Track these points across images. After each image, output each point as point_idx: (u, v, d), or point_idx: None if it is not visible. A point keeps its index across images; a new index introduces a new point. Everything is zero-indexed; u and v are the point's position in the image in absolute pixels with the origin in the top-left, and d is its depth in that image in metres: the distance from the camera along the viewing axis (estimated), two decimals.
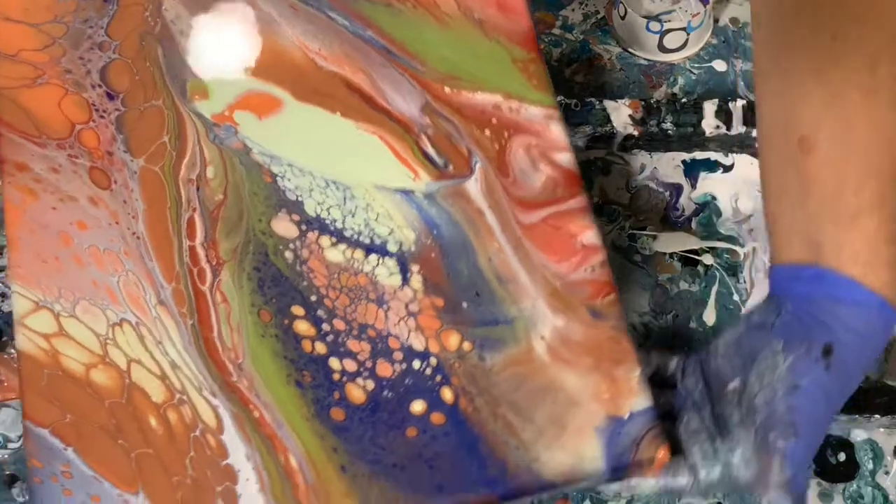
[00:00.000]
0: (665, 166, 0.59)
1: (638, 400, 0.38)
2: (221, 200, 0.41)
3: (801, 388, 0.36)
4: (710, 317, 0.54)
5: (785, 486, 0.36)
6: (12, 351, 0.49)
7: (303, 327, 0.39)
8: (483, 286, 0.40)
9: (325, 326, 0.39)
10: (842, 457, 0.51)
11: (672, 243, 0.56)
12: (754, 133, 0.56)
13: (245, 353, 0.39)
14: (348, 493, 0.37)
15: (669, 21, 0.61)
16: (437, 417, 0.38)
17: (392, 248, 0.40)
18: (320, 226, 0.41)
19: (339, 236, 0.41)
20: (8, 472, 0.50)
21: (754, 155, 0.59)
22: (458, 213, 0.41)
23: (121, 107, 0.42)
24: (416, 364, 0.39)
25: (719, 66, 0.63)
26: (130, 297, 0.40)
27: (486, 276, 0.40)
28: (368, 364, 0.39)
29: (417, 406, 0.38)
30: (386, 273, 0.40)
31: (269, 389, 0.39)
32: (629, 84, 0.62)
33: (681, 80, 0.62)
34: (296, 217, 0.41)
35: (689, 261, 0.56)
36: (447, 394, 0.38)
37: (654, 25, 0.61)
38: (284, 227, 0.41)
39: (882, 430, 0.51)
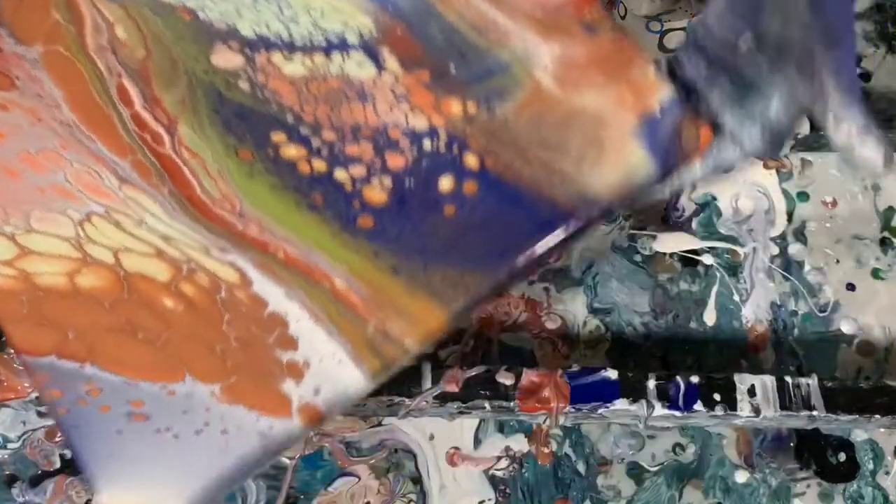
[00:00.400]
0: None
1: (663, 91, 0.36)
2: (145, 56, 0.37)
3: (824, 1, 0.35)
4: (710, 317, 0.54)
5: (846, 88, 0.35)
6: (12, 351, 0.49)
7: (291, 151, 0.37)
8: (464, 43, 0.37)
9: (315, 142, 0.37)
10: (842, 457, 0.51)
11: (672, 243, 0.56)
12: None
13: (240, 199, 0.37)
14: (408, 291, 0.35)
15: (669, 21, 0.61)
16: (469, 187, 0.36)
17: (352, 39, 0.37)
18: (265, 44, 0.37)
19: (291, 48, 0.37)
20: (8, 472, 0.50)
21: None
22: None
23: None
24: (427, 144, 0.37)
25: None
26: (87, 187, 0.37)
27: (463, 32, 0.37)
28: (377, 162, 0.37)
29: (445, 183, 0.36)
30: (356, 66, 0.37)
31: (283, 224, 0.36)
32: None
33: None
34: (234, 44, 0.37)
35: (689, 261, 0.56)
36: (471, 160, 0.36)
37: (654, 25, 0.61)
38: (226, 58, 0.37)
39: (882, 430, 0.51)
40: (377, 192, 0.36)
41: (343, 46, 0.37)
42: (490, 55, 0.37)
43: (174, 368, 0.36)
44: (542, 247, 0.35)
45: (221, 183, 0.37)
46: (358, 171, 0.37)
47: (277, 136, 0.37)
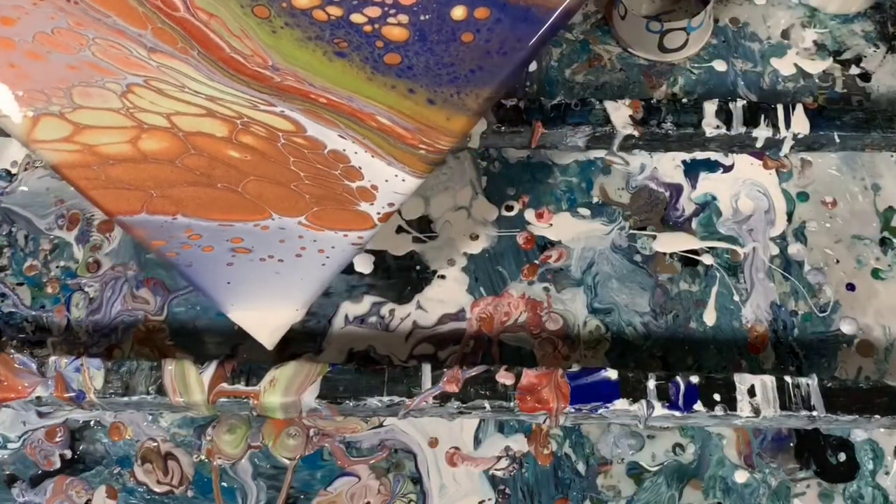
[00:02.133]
0: (665, 166, 0.59)
1: None
2: None
3: None
4: (710, 317, 0.54)
5: None
6: (12, 351, 0.49)
7: (303, 1, 0.37)
8: None
9: None
10: (842, 457, 0.51)
11: (672, 243, 0.56)
12: (754, 133, 0.56)
13: (269, 55, 0.37)
14: (447, 115, 0.37)
15: (669, 21, 0.61)
16: (480, 13, 0.37)
17: None
18: None
19: None
20: (8, 472, 0.50)
21: (754, 155, 0.59)
22: None
23: None
24: None
25: (719, 66, 0.63)
26: (117, 60, 0.37)
27: None
28: (388, 1, 0.37)
29: (458, 12, 0.37)
30: None
31: (318, 74, 0.37)
32: (629, 84, 0.62)
33: (681, 80, 0.62)
34: None
35: (689, 261, 0.56)
36: None
37: (655, 25, 0.61)
38: None
39: (882, 430, 0.51)
40: (396, 30, 0.37)
41: None
42: None
43: (259, 209, 0.38)
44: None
45: (247, 41, 0.37)
46: (373, 11, 0.37)
47: None
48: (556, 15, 0.38)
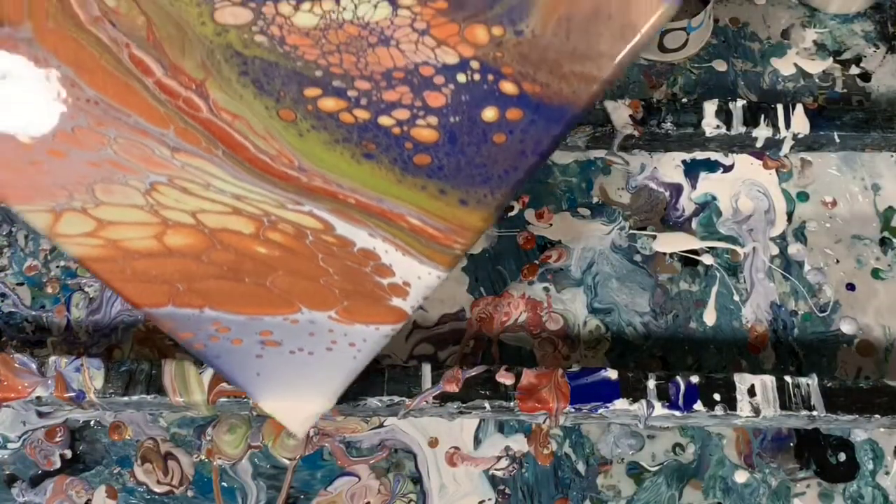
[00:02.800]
0: (665, 166, 0.59)
1: None
2: (146, 22, 0.36)
3: None
4: (710, 317, 0.54)
5: None
6: (12, 351, 0.49)
7: (330, 104, 0.36)
8: None
9: (351, 93, 0.36)
10: (842, 457, 0.51)
11: (672, 243, 0.56)
12: (754, 133, 0.56)
13: (296, 156, 0.36)
14: (480, 215, 0.37)
15: (669, 21, 0.61)
16: (512, 114, 0.36)
17: None
18: None
19: None
20: (8, 472, 0.50)
21: (754, 155, 0.59)
22: None
23: None
24: (461, 77, 0.36)
25: (719, 66, 0.63)
26: (140, 159, 0.36)
27: None
28: (417, 103, 0.36)
29: (489, 114, 0.36)
30: (370, 8, 0.36)
31: (346, 175, 0.37)
32: (629, 84, 0.62)
33: (681, 80, 0.62)
34: None
35: (689, 261, 0.56)
36: (508, 87, 0.36)
37: None
38: (233, 14, 0.36)
39: (882, 430, 0.51)
40: (426, 132, 0.36)
41: None
42: None
43: (288, 302, 0.38)
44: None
45: (273, 142, 0.36)
46: (401, 114, 0.36)
47: (311, 91, 0.36)
48: (584, 105, 0.37)
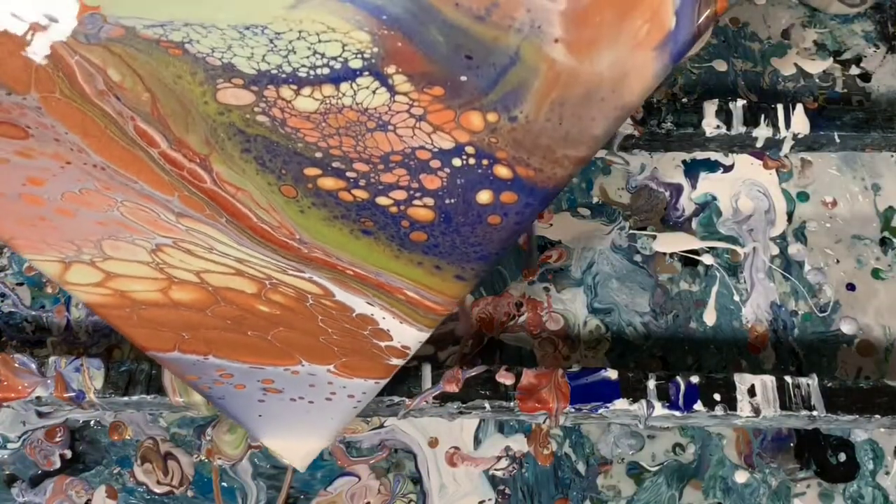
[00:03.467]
0: (665, 166, 0.59)
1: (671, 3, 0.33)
2: (151, 99, 0.36)
3: None
4: (710, 317, 0.54)
5: None
6: (12, 351, 0.49)
7: (329, 183, 0.37)
8: (468, 41, 0.34)
9: (350, 174, 0.37)
10: (842, 457, 0.51)
11: (672, 243, 0.56)
12: (754, 133, 0.56)
13: (297, 230, 0.37)
14: (473, 287, 0.39)
15: None
16: (507, 197, 0.37)
17: (355, 63, 0.35)
18: (270, 79, 0.35)
19: (297, 81, 0.35)
20: (8, 472, 0.50)
21: (754, 155, 0.59)
22: None
23: None
24: (457, 161, 0.36)
25: (719, 66, 0.63)
26: (146, 222, 0.37)
27: (465, 27, 0.34)
28: (414, 185, 0.37)
29: (483, 196, 0.37)
30: (369, 94, 0.36)
31: (345, 250, 0.37)
32: None
33: (681, 80, 0.62)
34: (238, 81, 0.35)
35: (689, 261, 0.56)
36: (502, 171, 0.36)
37: None
38: (235, 95, 0.36)
39: (882, 430, 0.51)
40: (422, 211, 0.37)
41: (349, 75, 0.36)
42: (497, 47, 0.35)
43: (289, 355, 0.39)
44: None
45: (275, 214, 0.37)
46: (399, 194, 0.37)
47: (311, 171, 0.37)
48: (570, 179, 0.38)
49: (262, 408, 0.40)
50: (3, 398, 0.47)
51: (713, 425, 0.50)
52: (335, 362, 0.39)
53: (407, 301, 0.38)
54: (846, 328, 0.54)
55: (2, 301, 0.54)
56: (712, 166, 0.59)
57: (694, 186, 0.58)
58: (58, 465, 0.50)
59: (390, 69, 0.35)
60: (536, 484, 0.50)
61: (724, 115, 0.57)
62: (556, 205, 0.57)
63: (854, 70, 0.62)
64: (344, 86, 0.36)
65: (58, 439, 0.50)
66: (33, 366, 0.47)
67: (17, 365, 0.48)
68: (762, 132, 0.57)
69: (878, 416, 0.47)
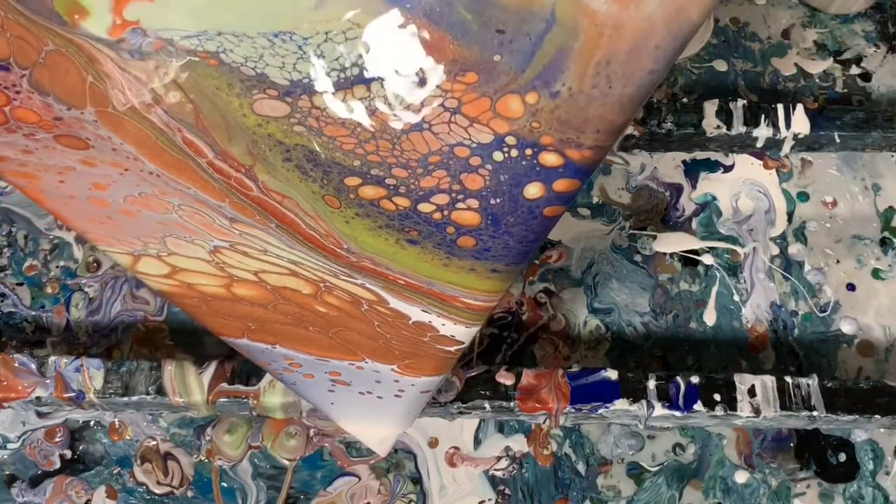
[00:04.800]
0: (665, 166, 0.59)
1: None
2: (194, 110, 0.36)
3: None
4: (710, 317, 0.54)
5: None
6: (12, 351, 0.49)
7: (370, 192, 0.36)
8: (497, 12, 0.31)
9: (390, 181, 0.35)
10: (842, 457, 0.51)
11: (672, 243, 0.56)
12: (755, 133, 0.56)
13: (344, 240, 0.37)
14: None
15: None
16: (560, 185, 0.34)
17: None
18: (302, 88, 0.35)
19: (328, 86, 0.34)
20: (8, 472, 0.50)
21: (754, 155, 0.59)
22: None
23: (21, 71, 0.36)
24: (498, 156, 0.34)
25: (719, 66, 0.63)
26: (203, 225, 0.38)
27: None
28: (455, 187, 0.35)
29: (533, 190, 0.34)
30: (400, 90, 0.34)
31: (392, 259, 0.36)
32: None
33: (681, 80, 0.62)
34: (272, 92, 0.35)
35: (689, 261, 0.56)
36: (551, 158, 0.33)
37: None
38: (270, 107, 0.35)
39: (882, 430, 0.51)
40: (467, 214, 0.35)
41: (378, 75, 0.34)
42: (531, 12, 0.31)
43: (351, 351, 0.39)
44: None
45: (321, 223, 0.36)
46: (441, 199, 0.35)
47: (352, 181, 0.36)
48: None
49: (334, 397, 0.40)
50: (2, 398, 0.47)
51: (713, 425, 0.50)
52: (398, 363, 0.39)
53: (465, 308, 0.37)
54: (846, 328, 0.54)
55: (2, 301, 0.54)
56: (712, 166, 0.59)
57: (694, 186, 0.58)
58: (58, 465, 0.50)
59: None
60: (536, 484, 0.50)
61: (725, 115, 0.57)
62: None
63: (854, 70, 0.62)
64: (374, 86, 0.34)
65: (58, 439, 0.50)
66: (33, 366, 0.47)
67: (16, 365, 0.48)
68: (762, 132, 0.57)
69: (878, 416, 0.47)
